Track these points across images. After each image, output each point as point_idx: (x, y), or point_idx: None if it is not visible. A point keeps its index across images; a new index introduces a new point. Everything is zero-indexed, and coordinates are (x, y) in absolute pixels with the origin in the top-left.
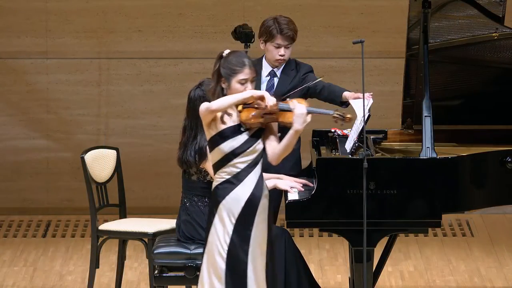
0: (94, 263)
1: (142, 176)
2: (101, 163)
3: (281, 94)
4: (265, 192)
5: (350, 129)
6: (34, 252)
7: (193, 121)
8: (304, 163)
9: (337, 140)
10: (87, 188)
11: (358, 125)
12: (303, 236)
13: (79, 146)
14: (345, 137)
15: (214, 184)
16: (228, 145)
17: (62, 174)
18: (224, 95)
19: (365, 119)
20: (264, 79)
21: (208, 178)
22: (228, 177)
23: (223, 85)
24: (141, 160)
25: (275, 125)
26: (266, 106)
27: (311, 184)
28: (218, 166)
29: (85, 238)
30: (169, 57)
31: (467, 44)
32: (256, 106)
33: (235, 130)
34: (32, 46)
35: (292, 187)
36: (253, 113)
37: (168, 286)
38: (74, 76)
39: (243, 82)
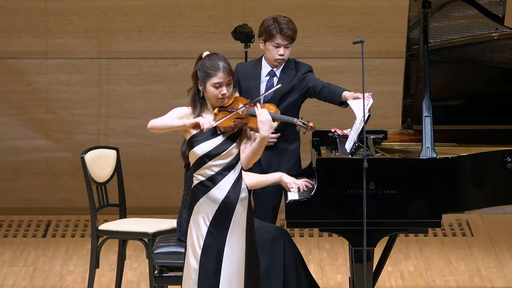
0: (94, 263)
1: (142, 176)
2: (101, 163)
3: (280, 94)
4: (243, 195)
5: (350, 129)
6: (34, 252)
7: None
8: (304, 163)
9: (337, 140)
10: (87, 188)
11: (358, 125)
12: (303, 236)
13: (79, 146)
14: (345, 137)
15: (193, 185)
16: (202, 148)
17: (62, 174)
18: (200, 97)
19: (365, 119)
20: (264, 78)
21: None
22: (203, 179)
23: (200, 87)
24: (141, 160)
25: (248, 130)
26: (237, 110)
27: (310, 185)
28: (194, 168)
29: (85, 238)
30: (169, 57)
31: (467, 44)
32: (229, 110)
33: (210, 133)
34: (32, 46)
35: (296, 183)
36: (224, 117)
37: (168, 286)
38: (74, 76)
39: (217, 86)
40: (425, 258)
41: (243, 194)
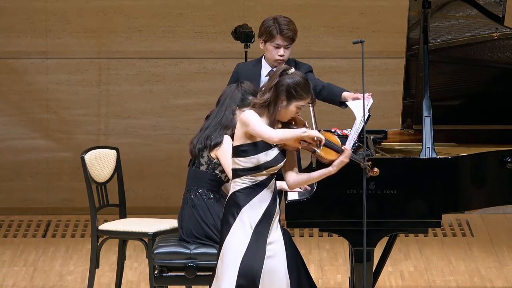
0: (94, 263)
1: (142, 176)
2: (101, 163)
3: None
4: (277, 199)
5: (350, 129)
6: (34, 252)
7: (219, 113)
8: (304, 163)
9: None
10: (87, 188)
11: (358, 125)
12: (303, 236)
13: (79, 146)
14: (345, 137)
15: (235, 188)
16: (262, 158)
17: (62, 174)
18: (276, 109)
19: (365, 119)
20: (264, 79)
21: (217, 172)
22: (251, 183)
23: (281, 103)
24: (141, 160)
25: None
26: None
27: (308, 188)
28: (243, 172)
29: (85, 238)
30: (169, 57)
31: (467, 44)
32: (291, 127)
33: (268, 145)
34: (32, 46)
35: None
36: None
37: (168, 286)
38: (74, 76)
39: (299, 107)
40: (425, 258)
41: (277, 196)
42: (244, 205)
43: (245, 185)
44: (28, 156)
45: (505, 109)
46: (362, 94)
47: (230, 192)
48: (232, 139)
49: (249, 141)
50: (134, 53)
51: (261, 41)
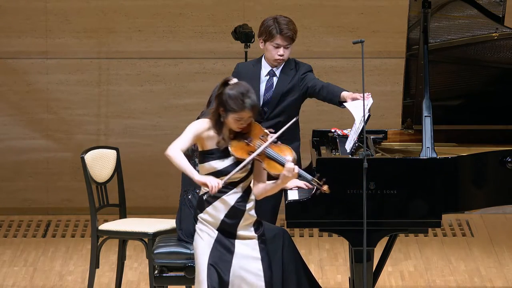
0: (94, 263)
1: (142, 176)
2: (101, 163)
3: (280, 94)
4: (249, 206)
5: (350, 129)
6: (34, 252)
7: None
8: (304, 163)
9: (337, 140)
10: (87, 188)
11: (358, 125)
12: (303, 236)
13: (79, 146)
14: (345, 137)
15: (201, 192)
16: (214, 165)
17: (62, 174)
18: (221, 122)
19: (365, 119)
20: (264, 78)
21: None
22: (208, 191)
23: (222, 114)
24: (141, 160)
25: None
26: (257, 150)
27: (310, 186)
28: None
29: (85, 238)
30: (169, 57)
31: (467, 44)
32: (246, 140)
33: (223, 152)
34: (32, 46)
35: (297, 184)
36: (240, 149)
37: (168, 286)
38: (74, 76)
39: (238, 120)
40: (425, 258)
41: (250, 205)
42: (202, 211)
43: (206, 189)
44: (28, 156)
45: (505, 109)
46: (361, 94)
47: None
48: None
49: (204, 148)
50: (134, 53)
51: (261, 40)
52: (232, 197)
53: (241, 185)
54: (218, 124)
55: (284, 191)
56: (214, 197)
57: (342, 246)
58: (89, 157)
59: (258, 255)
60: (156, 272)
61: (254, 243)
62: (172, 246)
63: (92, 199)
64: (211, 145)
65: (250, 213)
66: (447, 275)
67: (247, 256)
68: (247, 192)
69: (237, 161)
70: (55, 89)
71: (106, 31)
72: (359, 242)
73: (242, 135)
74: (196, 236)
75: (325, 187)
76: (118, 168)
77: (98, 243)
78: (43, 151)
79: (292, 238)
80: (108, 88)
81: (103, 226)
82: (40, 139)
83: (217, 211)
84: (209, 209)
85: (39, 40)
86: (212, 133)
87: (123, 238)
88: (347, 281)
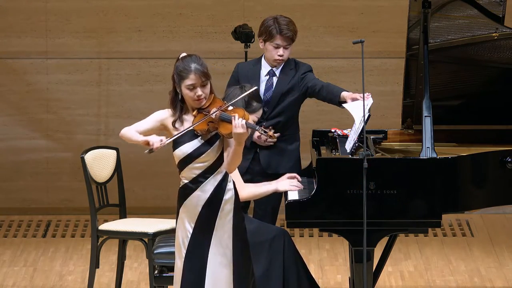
0: (94, 263)
1: (142, 176)
2: (101, 163)
3: (280, 94)
4: (227, 196)
5: (350, 129)
6: (34, 252)
7: None
8: (304, 163)
9: (337, 140)
10: (87, 188)
11: (358, 126)
12: (303, 236)
13: (79, 146)
14: (345, 137)
15: (180, 184)
16: (182, 150)
17: (62, 174)
18: (179, 99)
19: (365, 119)
20: (263, 78)
21: None
22: (186, 181)
23: (178, 89)
24: (141, 160)
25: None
26: (210, 114)
27: (300, 184)
28: (178, 170)
29: (85, 238)
30: (169, 57)
31: (467, 44)
32: (205, 112)
33: (190, 135)
34: (32, 46)
35: (292, 185)
36: (199, 120)
37: (168, 286)
38: (74, 76)
39: (191, 88)
40: (425, 258)
41: (228, 195)
42: (181, 203)
43: (182, 183)
44: (28, 156)
45: (505, 109)
46: (360, 94)
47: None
48: None
49: (170, 136)
50: (134, 53)
51: (261, 40)
52: (208, 187)
53: (215, 173)
54: (175, 102)
55: (284, 192)
56: (191, 187)
57: (342, 246)
58: (89, 157)
59: (230, 261)
60: (156, 272)
61: (228, 243)
62: (172, 246)
63: (92, 199)
64: (174, 131)
65: (228, 204)
66: (447, 275)
67: (220, 264)
68: (223, 181)
69: (206, 141)
70: (55, 89)
71: (106, 31)
72: (359, 242)
73: (203, 110)
74: (176, 232)
75: (271, 133)
76: (118, 168)
77: (98, 243)
78: (43, 151)
79: (292, 238)
80: (108, 88)
81: (103, 226)
82: (40, 139)
83: (195, 203)
84: (187, 202)
85: (39, 40)
86: (171, 120)
87: (123, 238)
88: (347, 281)
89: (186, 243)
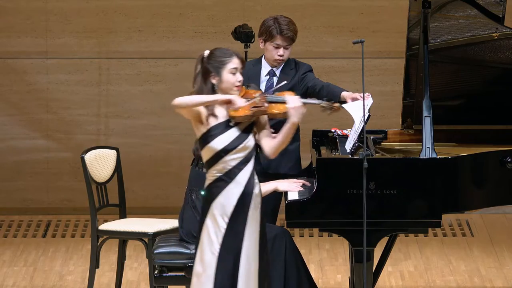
0: (94, 263)
1: (142, 176)
2: (101, 163)
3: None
4: (257, 190)
5: (350, 129)
6: (34, 252)
7: None
8: (304, 163)
9: (337, 140)
10: (87, 188)
11: (358, 126)
12: (303, 236)
13: (79, 146)
14: (345, 137)
15: (207, 182)
16: (219, 142)
17: (62, 174)
18: (214, 92)
19: (365, 119)
20: (264, 78)
21: None
22: (219, 174)
23: (214, 81)
24: (141, 160)
25: (264, 119)
26: (254, 99)
27: (308, 183)
28: (210, 164)
29: (85, 238)
30: (169, 57)
31: (467, 44)
32: (244, 99)
33: (224, 126)
34: (32, 46)
35: (292, 187)
36: (244, 107)
37: (168, 286)
38: (74, 76)
39: (234, 72)
40: (425, 258)
41: (257, 188)
42: (214, 199)
43: (214, 177)
44: (28, 156)
45: (505, 109)
46: (360, 94)
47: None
48: None
49: (203, 130)
50: (134, 53)
51: (261, 40)
52: (242, 179)
53: (248, 163)
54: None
55: (284, 192)
56: (225, 180)
57: (342, 246)
58: (89, 157)
59: (257, 255)
60: (156, 272)
61: (256, 236)
62: (172, 246)
63: (92, 199)
64: (209, 123)
65: (258, 197)
66: (447, 275)
67: (252, 256)
68: (253, 173)
69: (242, 131)
70: (55, 89)
71: (106, 31)
72: (359, 242)
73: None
74: (203, 229)
75: (336, 105)
76: (118, 168)
77: (98, 243)
78: (43, 151)
79: (292, 238)
80: (108, 88)
81: (103, 226)
82: (40, 139)
83: (230, 196)
84: (220, 196)
85: (39, 40)
86: (206, 111)
87: (123, 238)
88: (347, 281)
89: (220, 239)
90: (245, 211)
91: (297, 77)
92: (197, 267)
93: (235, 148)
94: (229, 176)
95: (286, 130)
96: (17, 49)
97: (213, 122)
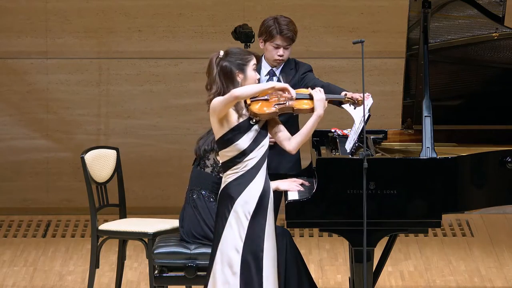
0: (94, 263)
1: (142, 176)
2: (101, 163)
3: None
4: (271, 186)
5: (350, 129)
6: (34, 252)
7: None
8: (304, 163)
9: (337, 140)
10: (87, 188)
11: (357, 126)
12: (303, 236)
13: (79, 146)
14: (345, 137)
15: (227, 181)
16: (245, 141)
17: (62, 174)
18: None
19: (365, 119)
20: (263, 78)
21: (222, 175)
22: (242, 172)
23: (239, 78)
24: (141, 160)
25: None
26: (285, 97)
27: (308, 183)
28: (231, 163)
29: (85, 238)
30: (169, 57)
31: (467, 44)
32: (263, 99)
33: (248, 125)
34: (32, 46)
35: (292, 187)
36: (267, 104)
37: (168, 286)
38: (74, 76)
39: (255, 68)
40: (425, 258)
41: (269, 183)
42: (237, 197)
43: (237, 175)
44: (28, 156)
45: (505, 109)
46: (360, 94)
47: (222, 186)
48: None
49: (227, 129)
50: (134, 53)
51: (261, 40)
52: (261, 176)
53: (264, 161)
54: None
55: (284, 192)
56: (247, 177)
57: (342, 246)
58: (89, 157)
59: (275, 249)
60: (156, 272)
61: (273, 232)
62: (172, 246)
63: (92, 199)
64: (233, 121)
65: (272, 194)
66: (447, 275)
67: (272, 250)
68: (267, 171)
69: (260, 131)
70: (55, 89)
71: (106, 31)
72: (359, 242)
73: (257, 98)
74: (226, 227)
75: (360, 97)
76: (118, 168)
77: (98, 243)
78: (43, 151)
79: (292, 238)
80: (108, 88)
81: (103, 226)
82: (40, 139)
83: (252, 194)
84: (243, 194)
85: (39, 40)
86: (230, 109)
87: (123, 238)
88: (347, 281)
89: (244, 236)
90: (265, 208)
91: (297, 77)
92: (217, 267)
93: (258, 145)
94: (251, 173)
95: (312, 123)
96: (17, 49)
97: (237, 120)
